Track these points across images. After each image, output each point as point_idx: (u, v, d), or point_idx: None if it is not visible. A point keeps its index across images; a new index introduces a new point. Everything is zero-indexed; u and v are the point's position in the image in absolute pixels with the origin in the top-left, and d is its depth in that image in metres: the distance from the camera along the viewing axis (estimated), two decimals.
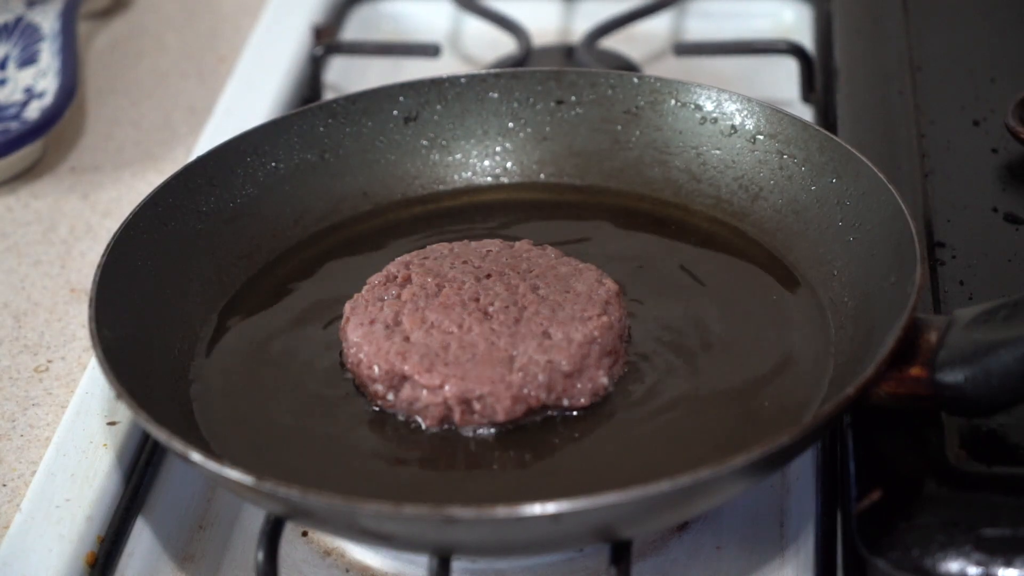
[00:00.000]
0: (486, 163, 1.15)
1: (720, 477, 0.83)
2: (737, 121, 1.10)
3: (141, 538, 0.97)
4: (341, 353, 0.99)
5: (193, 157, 1.12)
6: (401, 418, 0.94)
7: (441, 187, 1.14)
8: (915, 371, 0.88)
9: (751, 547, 0.95)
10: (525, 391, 0.92)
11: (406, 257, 1.02)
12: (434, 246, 1.04)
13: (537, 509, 0.81)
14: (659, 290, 1.03)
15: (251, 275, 1.07)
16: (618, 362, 0.96)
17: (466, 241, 1.05)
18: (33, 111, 1.29)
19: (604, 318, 0.96)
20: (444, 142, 1.14)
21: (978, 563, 0.83)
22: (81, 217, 1.25)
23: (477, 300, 0.98)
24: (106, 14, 1.51)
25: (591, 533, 0.85)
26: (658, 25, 1.44)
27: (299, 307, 1.04)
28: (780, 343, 0.98)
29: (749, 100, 1.10)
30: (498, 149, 1.15)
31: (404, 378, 0.94)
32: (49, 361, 1.11)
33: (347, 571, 0.95)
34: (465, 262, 1.01)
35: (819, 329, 0.99)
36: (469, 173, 1.14)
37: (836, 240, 1.02)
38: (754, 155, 1.09)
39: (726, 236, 1.07)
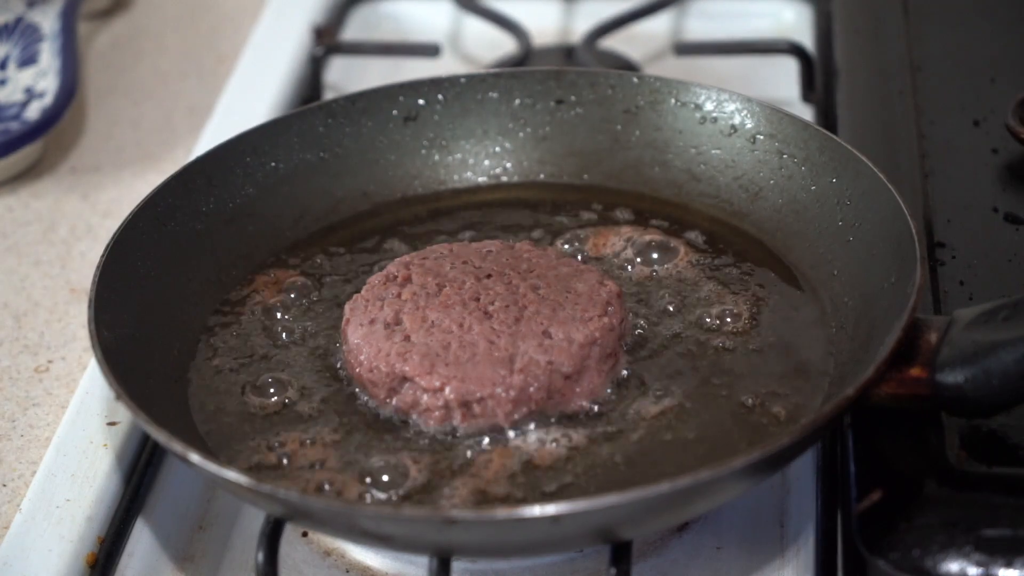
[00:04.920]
0: (486, 163, 1.15)
1: (720, 478, 0.83)
2: (737, 121, 1.10)
3: (141, 538, 0.97)
4: (341, 354, 0.99)
5: (193, 157, 1.12)
6: (402, 420, 0.94)
7: (441, 187, 1.14)
8: (915, 372, 0.88)
9: (751, 547, 0.95)
10: (525, 394, 0.92)
11: (406, 257, 1.02)
12: (434, 246, 1.04)
13: (537, 511, 0.81)
14: (658, 291, 1.03)
15: (251, 275, 1.07)
16: (618, 364, 0.96)
17: (466, 241, 1.05)
18: (33, 111, 1.29)
19: (605, 319, 0.96)
20: (444, 142, 1.14)
21: (978, 563, 0.83)
22: (81, 217, 1.25)
23: (477, 300, 0.98)
24: (106, 14, 1.51)
25: (591, 534, 0.85)
26: (658, 25, 1.44)
27: (298, 307, 1.04)
28: (780, 343, 0.98)
29: (749, 100, 1.10)
30: (498, 149, 1.14)
31: (404, 380, 0.94)
32: (49, 361, 1.11)
33: (347, 571, 0.95)
34: (465, 262, 1.01)
35: (819, 329, 0.99)
36: (469, 173, 1.14)
37: (836, 240, 1.02)
38: (754, 155, 1.09)
39: (726, 236, 1.07)
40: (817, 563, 0.92)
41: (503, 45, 1.41)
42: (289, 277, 1.06)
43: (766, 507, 0.98)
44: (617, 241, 1.07)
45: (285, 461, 0.92)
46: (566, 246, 1.07)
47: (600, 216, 1.10)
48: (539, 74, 1.15)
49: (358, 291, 1.01)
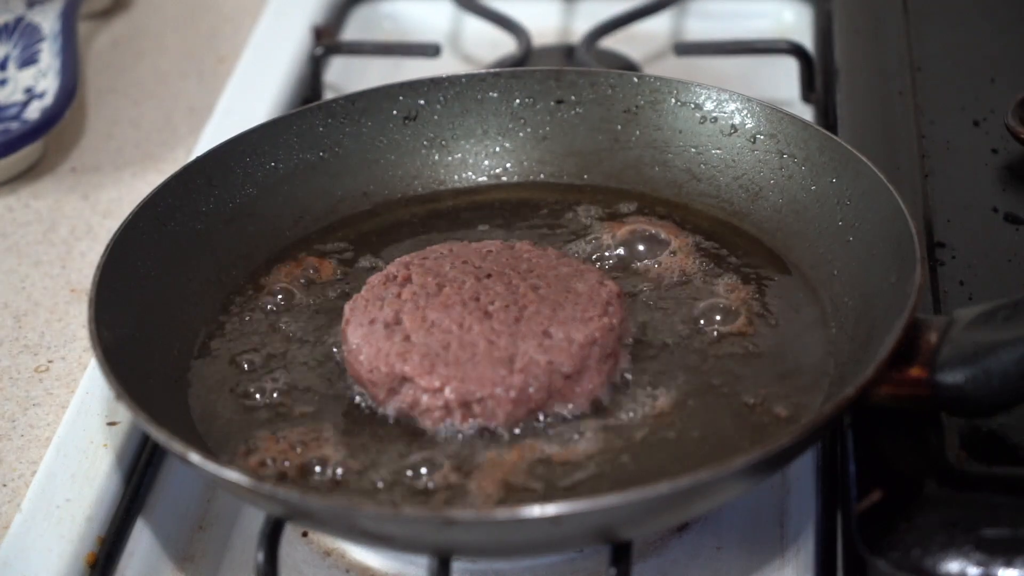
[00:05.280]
0: (486, 163, 1.15)
1: (720, 479, 0.82)
2: (737, 121, 1.10)
3: (141, 538, 0.97)
4: (342, 354, 0.99)
5: (193, 157, 1.12)
6: (402, 420, 0.94)
7: (441, 187, 1.14)
8: (915, 372, 0.88)
9: (751, 547, 0.95)
10: (525, 394, 0.92)
11: (406, 257, 1.02)
12: (434, 246, 1.04)
13: (536, 511, 0.81)
14: (659, 291, 1.03)
15: (251, 275, 1.07)
16: (618, 364, 0.96)
17: (466, 241, 1.05)
18: (33, 111, 1.29)
19: (605, 319, 0.96)
20: (444, 142, 1.14)
21: (978, 563, 0.83)
22: (81, 217, 1.25)
23: (477, 299, 0.98)
24: (106, 14, 1.51)
25: (591, 535, 0.85)
26: (658, 25, 1.44)
27: (299, 308, 1.04)
28: (780, 343, 0.98)
29: (749, 100, 1.10)
30: (498, 149, 1.14)
31: (404, 380, 0.94)
32: (49, 361, 1.11)
33: (347, 571, 0.95)
34: (465, 262, 1.01)
35: (819, 329, 0.99)
36: (469, 173, 1.14)
37: (836, 240, 1.02)
38: (754, 155, 1.09)
39: (726, 235, 1.07)
40: (817, 563, 0.92)
41: (503, 45, 1.41)
42: (289, 277, 1.06)
43: (766, 507, 0.98)
44: (617, 241, 1.07)
45: (286, 462, 0.92)
46: (564, 245, 1.07)
47: (600, 216, 1.10)
48: (539, 74, 1.15)
49: (358, 291, 1.01)
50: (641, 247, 1.07)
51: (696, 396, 0.95)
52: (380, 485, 0.90)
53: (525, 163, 1.14)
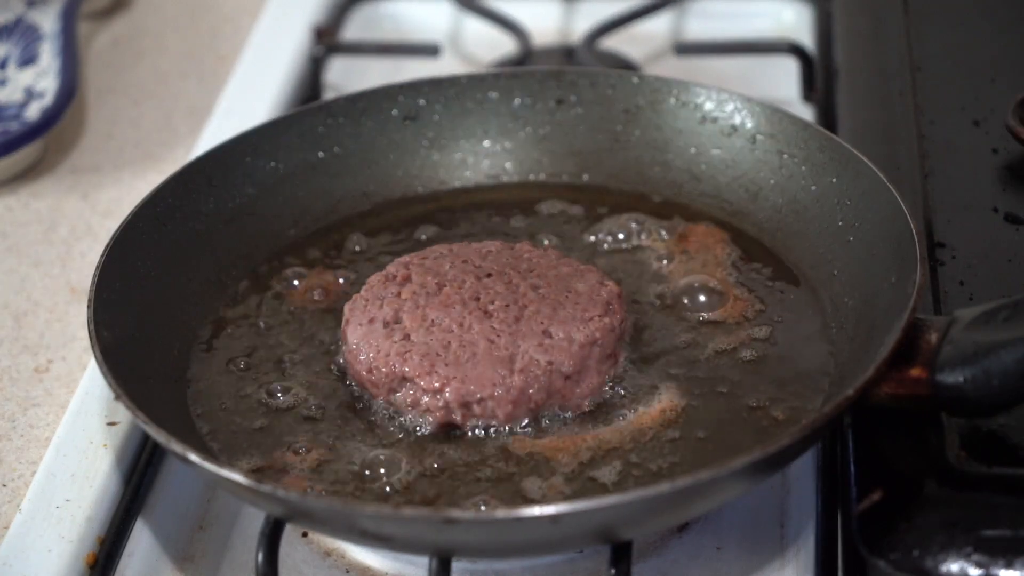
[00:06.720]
0: (486, 163, 1.15)
1: (720, 478, 0.82)
2: (737, 121, 1.10)
3: (141, 539, 0.97)
4: (342, 354, 0.99)
5: (193, 157, 1.12)
6: (402, 419, 0.94)
7: (441, 187, 1.14)
8: (915, 372, 0.88)
9: (751, 547, 0.95)
10: (525, 394, 0.92)
11: (406, 257, 1.02)
12: (434, 246, 1.04)
13: (536, 511, 0.81)
14: (659, 291, 1.03)
15: (251, 275, 1.07)
16: (617, 364, 0.96)
17: (466, 241, 1.05)
18: (33, 111, 1.29)
19: (606, 319, 0.96)
20: (444, 142, 1.14)
21: (978, 564, 0.83)
22: (81, 217, 1.25)
23: (477, 299, 0.98)
24: (106, 14, 1.51)
25: (591, 535, 0.85)
26: (658, 25, 1.44)
27: (299, 308, 1.04)
28: (780, 343, 0.98)
29: (749, 100, 1.10)
30: (498, 149, 1.14)
31: (404, 380, 0.94)
32: (49, 361, 1.11)
33: (347, 571, 0.95)
34: (465, 262, 1.01)
35: (819, 329, 0.99)
36: (469, 173, 1.14)
37: (836, 240, 1.02)
38: (754, 155, 1.09)
39: (726, 236, 1.07)
40: (817, 563, 0.92)
41: (503, 45, 1.41)
42: (289, 277, 1.06)
43: (766, 507, 0.98)
44: (617, 241, 1.07)
45: (287, 461, 0.92)
46: (557, 242, 1.07)
47: (600, 216, 1.10)
48: (539, 74, 1.15)
49: (358, 291, 1.01)
50: (641, 247, 1.06)
51: (696, 398, 0.95)
52: (377, 484, 0.90)
53: (525, 163, 1.14)
